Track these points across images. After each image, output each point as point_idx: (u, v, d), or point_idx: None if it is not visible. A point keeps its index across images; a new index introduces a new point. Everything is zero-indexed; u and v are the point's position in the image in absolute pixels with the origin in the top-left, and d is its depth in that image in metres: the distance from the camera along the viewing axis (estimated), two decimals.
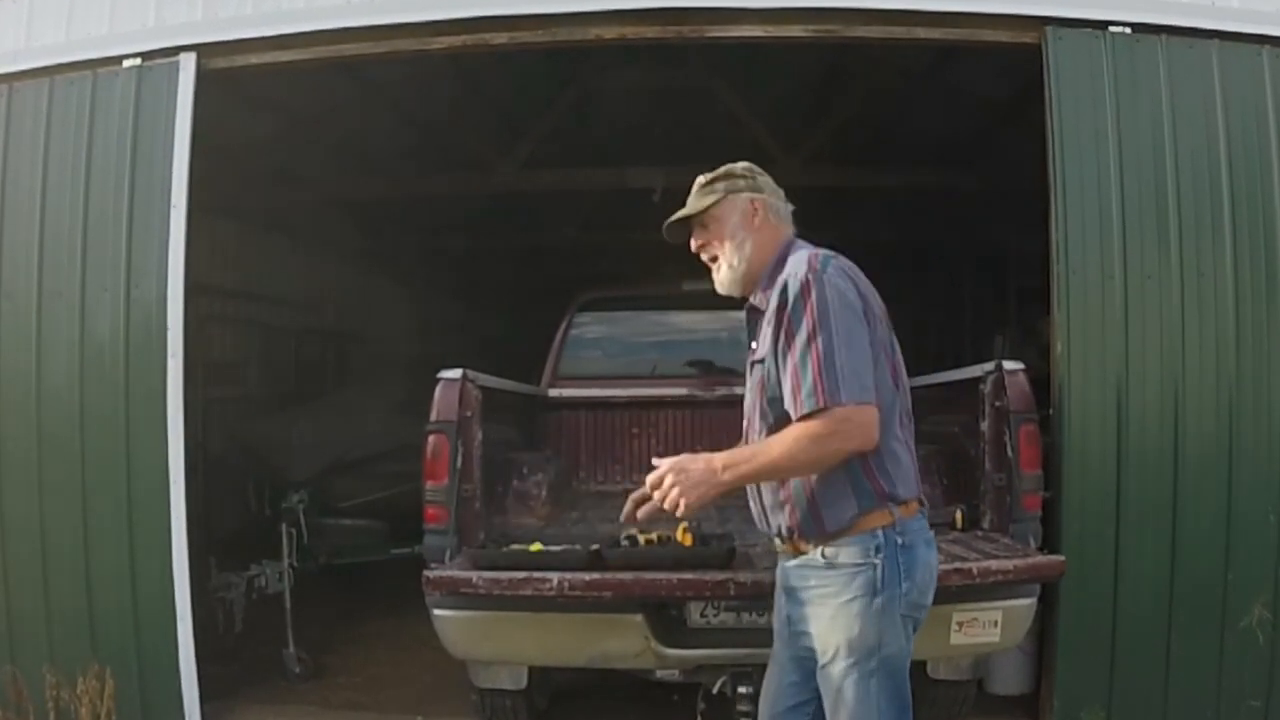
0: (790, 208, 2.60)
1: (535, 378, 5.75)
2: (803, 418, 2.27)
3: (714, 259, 2.55)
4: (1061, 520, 3.97)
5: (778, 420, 2.38)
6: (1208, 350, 4.02)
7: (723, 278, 2.53)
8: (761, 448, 2.35)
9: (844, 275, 2.37)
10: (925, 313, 10.94)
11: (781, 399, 2.35)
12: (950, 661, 3.84)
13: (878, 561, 2.34)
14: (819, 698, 2.48)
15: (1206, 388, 4.01)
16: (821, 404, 2.24)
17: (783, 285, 2.36)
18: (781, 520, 2.43)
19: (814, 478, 2.35)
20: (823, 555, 2.39)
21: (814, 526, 2.38)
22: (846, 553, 2.36)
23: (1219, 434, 4.00)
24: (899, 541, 2.37)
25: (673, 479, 2.30)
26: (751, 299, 2.53)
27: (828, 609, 2.37)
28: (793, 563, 2.46)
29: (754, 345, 2.52)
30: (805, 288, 2.31)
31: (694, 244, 2.55)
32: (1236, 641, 3.98)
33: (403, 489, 5.10)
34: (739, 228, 2.50)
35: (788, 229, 2.57)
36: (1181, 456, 4.00)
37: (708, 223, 2.53)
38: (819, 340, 2.27)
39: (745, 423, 2.56)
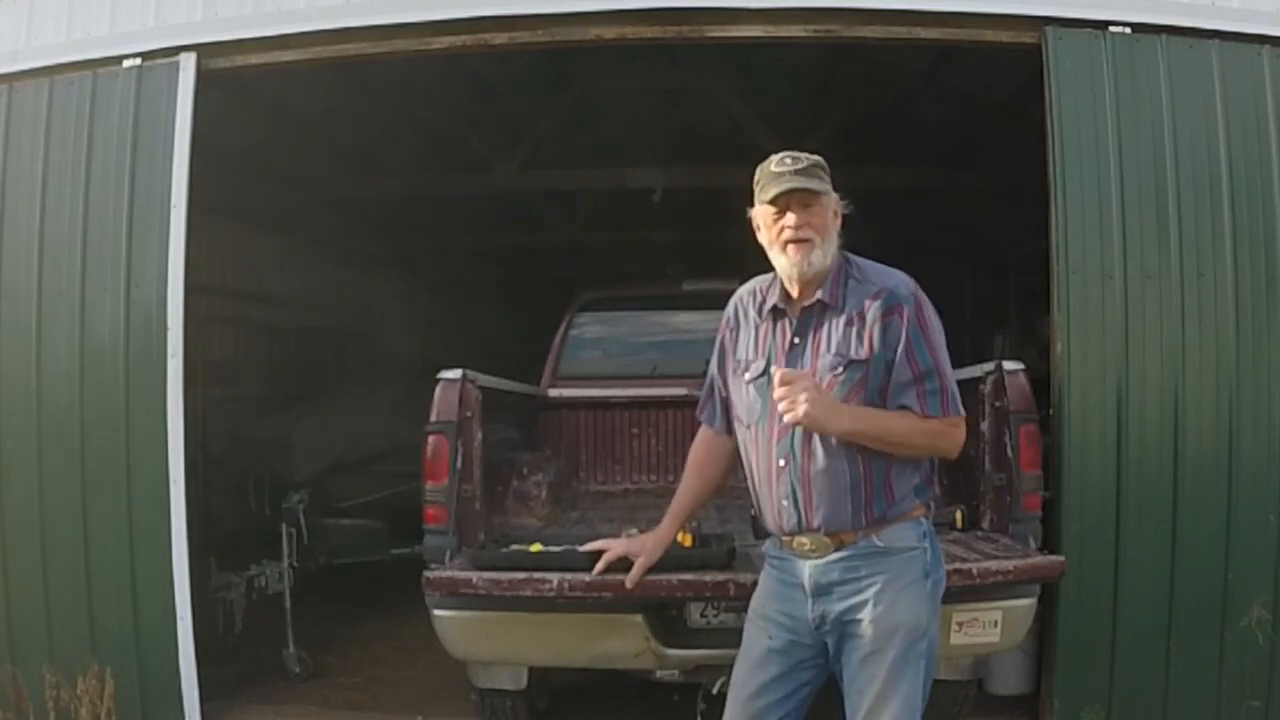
0: None
1: (535, 378, 5.75)
2: (927, 416, 2.43)
3: (802, 240, 2.46)
4: (1061, 520, 3.97)
5: None
6: (1208, 350, 4.02)
7: (814, 259, 2.46)
8: (885, 416, 2.42)
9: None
10: None
11: (882, 399, 2.43)
12: (950, 661, 3.83)
13: (926, 546, 2.48)
14: (796, 711, 2.55)
15: (1206, 388, 4.01)
16: (946, 412, 2.44)
17: (890, 290, 2.46)
18: (840, 519, 2.43)
19: (894, 481, 2.45)
20: (878, 540, 2.44)
21: (876, 514, 2.44)
22: (902, 537, 2.45)
23: (1219, 434, 4.00)
24: (932, 530, 2.53)
25: (807, 389, 2.34)
26: (820, 295, 2.49)
27: (887, 594, 2.41)
28: (833, 557, 2.45)
29: (809, 335, 2.50)
30: (919, 303, 2.47)
31: (795, 217, 2.45)
32: (1236, 641, 3.98)
33: (403, 489, 5.10)
34: (831, 225, 2.51)
35: None
36: (1181, 456, 4.00)
37: (811, 203, 2.47)
38: (939, 354, 2.45)
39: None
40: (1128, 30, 4.12)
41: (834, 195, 2.52)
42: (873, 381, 2.42)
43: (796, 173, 2.45)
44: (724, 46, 4.92)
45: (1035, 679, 4.35)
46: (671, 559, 3.25)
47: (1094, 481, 4.01)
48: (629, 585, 2.94)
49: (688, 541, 3.32)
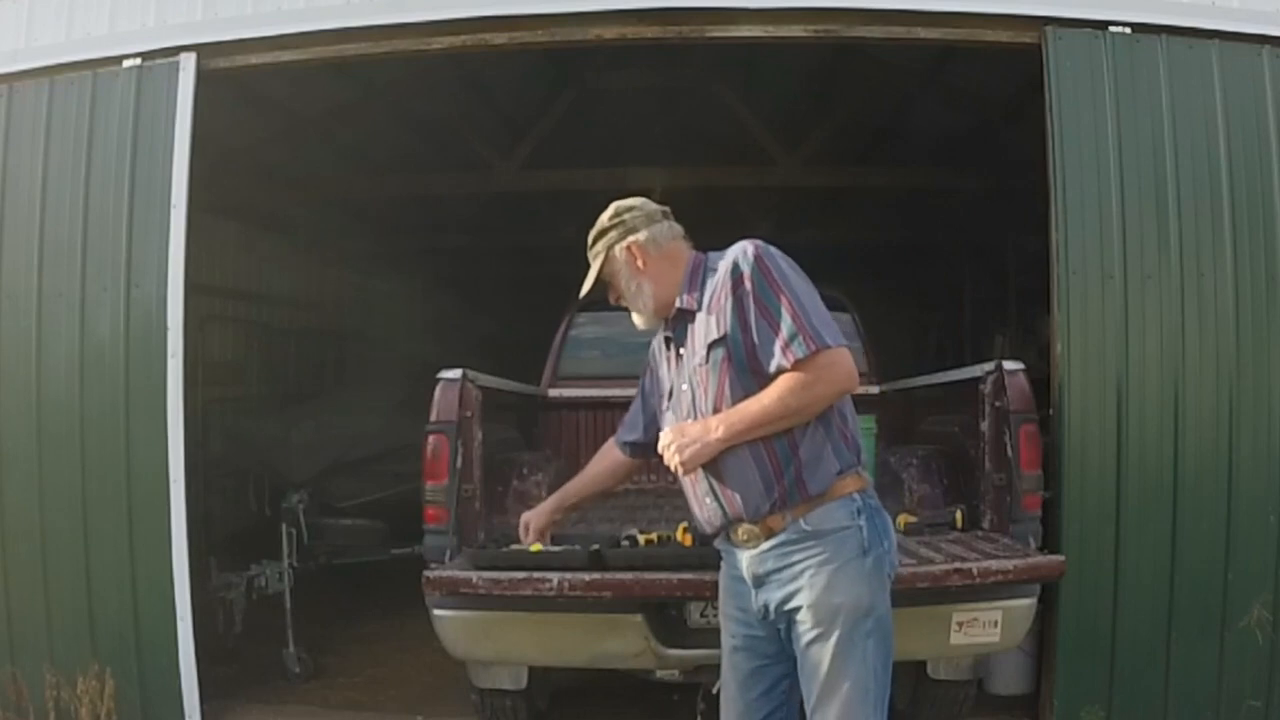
0: (673, 225, 2.65)
1: (535, 378, 5.75)
2: (794, 365, 2.36)
3: (627, 308, 2.67)
4: (1061, 520, 3.97)
5: (751, 390, 2.42)
6: (1208, 350, 4.02)
7: (638, 321, 2.66)
8: (752, 402, 2.40)
9: (784, 255, 2.50)
10: (925, 312, 10.96)
11: (754, 368, 2.42)
12: (950, 661, 3.83)
13: (861, 523, 2.42)
14: (784, 704, 2.53)
15: (1206, 388, 4.01)
16: (811, 348, 2.35)
17: (731, 265, 2.46)
18: (756, 498, 2.43)
19: (798, 441, 2.40)
20: (805, 524, 2.41)
21: (798, 492, 2.41)
22: (831, 517, 2.41)
23: (1219, 434, 4.01)
24: (872, 505, 2.48)
25: (670, 439, 2.45)
26: (678, 305, 2.58)
27: (822, 576, 2.38)
28: (766, 546, 2.45)
29: (685, 343, 2.56)
30: (759, 259, 2.44)
31: (610, 299, 2.69)
32: (1236, 641, 3.98)
33: (403, 489, 5.10)
34: (630, 278, 2.61)
35: (684, 250, 2.63)
36: (1181, 456, 4.01)
37: (607, 280, 2.65)
38: (788, 297, 2.39)
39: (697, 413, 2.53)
40: (1128, 30, 4.13)
41: (615, 249, 2.60)
42: (736, 354, 2.43)
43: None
44: (724, 46, 4.93)
45: (1035, 679, 4.35)
46: (671, 559, 3.25)
47: (1094, 481, 4.01)
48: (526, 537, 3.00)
49: (687, 541, 3.32)
